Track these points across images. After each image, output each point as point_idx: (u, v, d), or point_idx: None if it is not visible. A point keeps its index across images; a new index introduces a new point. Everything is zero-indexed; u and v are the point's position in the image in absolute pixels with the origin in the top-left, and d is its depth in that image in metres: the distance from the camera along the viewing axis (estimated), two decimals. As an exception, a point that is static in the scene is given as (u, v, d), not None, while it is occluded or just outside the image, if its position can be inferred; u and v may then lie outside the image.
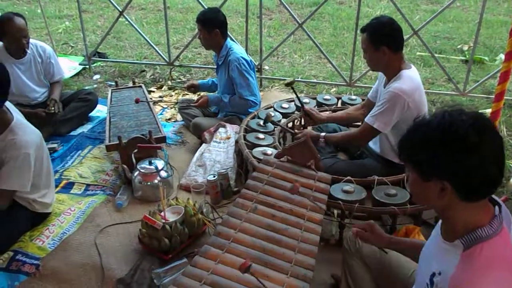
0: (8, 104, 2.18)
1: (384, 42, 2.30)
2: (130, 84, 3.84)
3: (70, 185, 2.73)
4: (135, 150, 2.63)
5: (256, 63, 4.29)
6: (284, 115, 3.04)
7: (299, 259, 1.68)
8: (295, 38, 5.62)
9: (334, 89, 4.31)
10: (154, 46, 4.52)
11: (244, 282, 1.55)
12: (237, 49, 3.15)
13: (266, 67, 4.79)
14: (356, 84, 4.10)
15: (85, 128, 3.45)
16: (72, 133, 3.39)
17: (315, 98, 3.23)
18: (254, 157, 2.49)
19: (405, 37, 2.28)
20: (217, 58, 3.20)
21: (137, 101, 3.11)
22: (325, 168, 2.41)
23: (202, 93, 3.70)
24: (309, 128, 2.98)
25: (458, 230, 1.17)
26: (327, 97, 3.24)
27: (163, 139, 2.81)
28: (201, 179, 2.69)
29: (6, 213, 2.19)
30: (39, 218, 2.37)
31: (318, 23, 6.30)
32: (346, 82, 4.09)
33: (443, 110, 1.15)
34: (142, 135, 2.70)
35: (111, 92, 3.51)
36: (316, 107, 3.10)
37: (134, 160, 2.62)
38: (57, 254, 2.17)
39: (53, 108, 3.25)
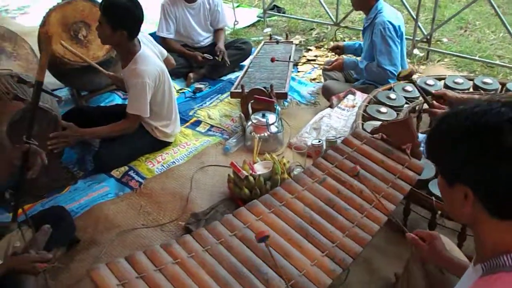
0: (143, 37, 2.46)
1: None
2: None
3: (197, 123, 2.99)
4: (252, 101, 2.69)
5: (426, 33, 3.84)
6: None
7: (345, 243, 1.54)
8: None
9: (517, 74, 3.59)
10: (324, 5, 4.42)
11: (272, 245, 1.50)
12: (388, 12, 2.85)
13: (445, 39, 4.25)
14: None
15: (234, 75, 3.66)
16: (222, 78, 3.64)
17: (443, 79, 2.75)
18: (364, 130, 2.29)
19: None
20: (365, 19, 2.97)
21: (272, 60, 3.11)
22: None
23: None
24: None
25: (485, 252, 0.89)
26: (459, 80, 2.70)
27: (284, 95, 2.81)
28: (310, 142, 2.62)
29: (133, 135, 2.53)
30: (160, 145, 2.67)
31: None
32: (533, 68, 3.36)
33: (489, 98, 0.87)
34: (264, 87, 2.74)
35: (263, 44, 3.62)
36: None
37: (250, 110, 2.70)
38: (159, 178, 2.44)
39: (221, 58, 3.51)
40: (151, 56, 2.42)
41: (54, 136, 2.19)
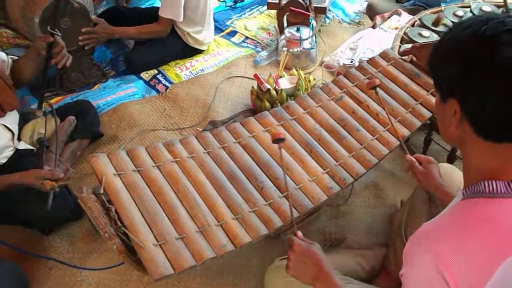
0: None
1: None
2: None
3: (233, 33, 2.92)
4: (288, 13, 2.57)
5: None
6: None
7: (349, 163, 1.51)
8: None
9: None
10: None
11: (276, 158, 1.49)
12: None
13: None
14: None
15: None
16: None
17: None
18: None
19: None
20: None
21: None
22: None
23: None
24: None
25: (469, 177, 0.83)
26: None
27: (323, 10, 2.65)
28: (342, 62, 2.50)
29: (165, 39, 2.52)
30: (191, 52, 2.65)
31: None
32: None
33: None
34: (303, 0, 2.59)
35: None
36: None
37: (285, 23, 2.58)
38: (186, 84, 2.46)
39: None
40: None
41: (86, 31, 2.22)
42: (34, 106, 2.15)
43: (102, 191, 1.21)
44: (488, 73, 0.71)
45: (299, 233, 1.14)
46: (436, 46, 0.83)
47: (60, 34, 1.80)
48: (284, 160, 1.39)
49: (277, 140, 1.37)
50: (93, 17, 2.27)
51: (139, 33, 2.43)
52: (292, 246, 1.09)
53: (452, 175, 1.44)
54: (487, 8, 2.47)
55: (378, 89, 1.56)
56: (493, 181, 0.77)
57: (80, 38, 2.21)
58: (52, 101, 2.24)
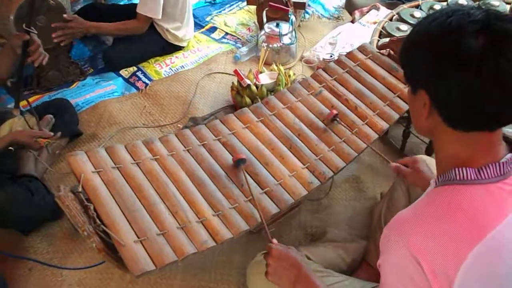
0: None
1: None
2: None
3: (213, 29, 2.91)
4: (267, 8, 2.57)
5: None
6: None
7: (328, 157, 1.52)
8: None
9: None
10: None
11: (254, 153, 1.50)
12: None
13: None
14: None
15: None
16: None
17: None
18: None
19: None
20: None
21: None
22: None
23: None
24: None
25: (441, 165, 0.86)
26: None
27: (302, 5, 2.65)
28: (322, 57, 2.52)
29: (144, 36, 2.49)
30: (171, 49, 2.63)
31: None
32: None
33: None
34: (282, -5, 2.60)
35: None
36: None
37: (264, 18, 2.58)
38: (166, 81, 2.44)
39: None
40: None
41: (58, 26, 2.18)
42: (11, 105, 2.11)
43: (80, 189, 1.19)
44: (454, 64, 0.73)
45: (275, 240, 1.14)
46: (406, 40, 0.85)
47: (36, 32, 1.77)
48: (249, 182, 1.36)
49: (238, 161, 1.37)
50: (65, 15, 2.22)
51: (116, 29, 2.40)
52: (270, 252, 1.09)
53: (431, 167, 1.47)
54: (464, 2, 2.50)
55: (338, 118, 1.57)
56: (464, 168, 0.79)
57: (54, 35, 2.17)
58: (30, 99, 2.19)
